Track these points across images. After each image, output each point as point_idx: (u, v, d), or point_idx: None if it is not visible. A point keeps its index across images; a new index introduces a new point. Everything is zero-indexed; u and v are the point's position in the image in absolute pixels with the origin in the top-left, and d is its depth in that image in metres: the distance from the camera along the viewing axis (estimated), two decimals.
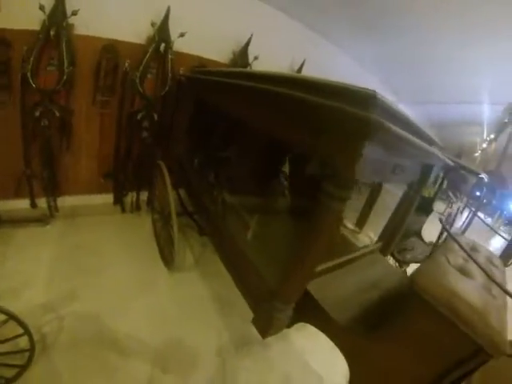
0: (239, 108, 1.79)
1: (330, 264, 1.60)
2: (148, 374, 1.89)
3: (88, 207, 3.26)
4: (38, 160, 2.78)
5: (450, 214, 6.71)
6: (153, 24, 2.81)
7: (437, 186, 2.49)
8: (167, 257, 2.77)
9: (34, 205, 2.94)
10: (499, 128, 7.55)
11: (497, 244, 11.63)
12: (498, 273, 1.30)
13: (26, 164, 2.76)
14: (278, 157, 2.56)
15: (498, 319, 0.94)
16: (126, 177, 3.30)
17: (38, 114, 2.60)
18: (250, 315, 1.63)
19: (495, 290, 1.08)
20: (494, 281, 1.08)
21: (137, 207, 3.54)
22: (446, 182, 2.92)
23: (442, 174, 2.88)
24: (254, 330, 1.54)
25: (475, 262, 1.14)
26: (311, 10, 3.69)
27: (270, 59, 3.57)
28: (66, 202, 3.11)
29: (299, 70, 3.93)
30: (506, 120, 6.99)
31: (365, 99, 0.96)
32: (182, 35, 2.94)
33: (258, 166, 2.60)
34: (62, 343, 1.90)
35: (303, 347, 2.44)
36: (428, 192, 3.73)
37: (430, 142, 1.72)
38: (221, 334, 2.35)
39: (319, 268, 1.48)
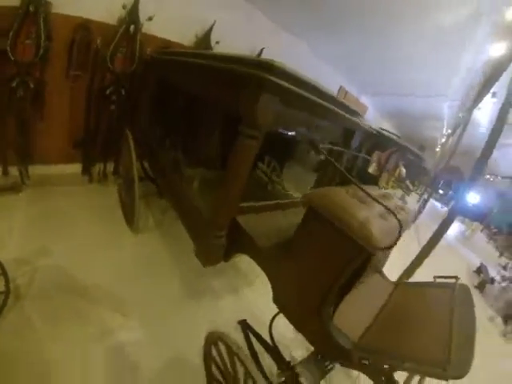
0: (186, 81, 2.17)
1: (257, 204, 1.98)
2: (114, 320, 2.10)
3: (58, 176, 3.47)
4: (12, 129, 2.99)
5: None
6: (124, 6, 3.11)
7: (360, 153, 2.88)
8: (130, 219, 3.07)
9: (5, 172, 3.14)
10: (455, 123, 8.20)
11: (453, 231, 12.66)
12: (401, 216, 1.46)
13: (0, 132, 2.96)
14: (214, 121, 2.92)
15: (380, 229, 1.12)
16: (94, 147, 3.56)
17: (14, 84, 2.82)
18: (202, 269, 1.93)
19: (390, 218, 1.23)
20: (374, 199, 1.24)
21: (104, 176, 3.80)
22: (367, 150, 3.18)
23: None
24: (205, 283, 1.76)
25: (362, 189, 1.31)
26: (274, 3, 4.05)
27: (231, 45, 3.93)
28: (36, 170, 3.31)
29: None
30: (461, 115, 7.59)
31: (266, 65, 1.34)
32: (150, 19, 3.25)
33: (201, 130, 2.97)
34: (34, 293, 2.04)
35: (252, 300, 2.78)
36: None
37: (350, 111, 2.12)
38: (175, 285, 2.66)
39: (246, 204, 1.85)
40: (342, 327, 1.28)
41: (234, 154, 1.57)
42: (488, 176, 12.93)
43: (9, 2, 2.54)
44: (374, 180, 3.71)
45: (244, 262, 3.20)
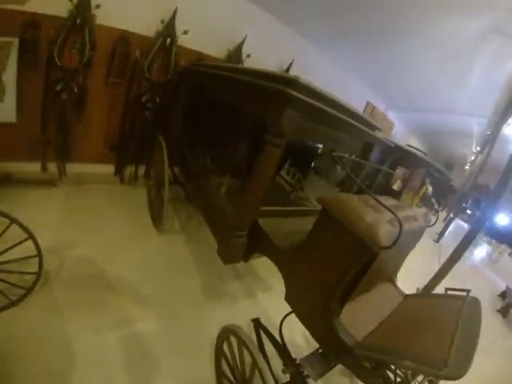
0: (218, 92, 2.34)
1: (278, 208, 2.07)
2: (134, 311, 2.22)
3: (92, 175, 3.72)
4: (54, 128, 3.27)
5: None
6: (162, 21, 3.35)
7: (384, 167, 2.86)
8: (157, 220, 3.23)
9: (45, 168, 3.40)
10: (484, 141, 7.93)
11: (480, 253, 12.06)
12: (415, 226, 1.53)
13: (42, 130, 3.24)
14: (242, 132, 3.04)
15: (386, 232, 1.18)
16: (127, 151, 3.79)
17: (59, 88, 3.09)
18: (222, 273, 2.02)
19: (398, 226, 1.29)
20: (382, 204, 1.23)
21: (134, 178, 4.02)
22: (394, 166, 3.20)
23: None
24: (224, 286, 1.84)
25: (374, 197, 1.30)
26: (303, 19, 4.18)
27: (261, 57, 4.08)
28: (73, 168, 3.57)
29: (287, 70, 4.44)
30: (489, 132, 7.35)
31: (291, 81, 1.45)
32: (185, 32, 3.46)
33: (229, 140, 3.10)
34: (62, 279, 2.21)
35: (268, 305, 2.84)
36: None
37: (370, 126, 2.17)
38: (196, 285, 2.77)
39: (267, 208, 1.94)
40: (347, 326, 1.34)
41: (260, 160, 1.68)
42: None
43: (57, 12, 2.81)
44: (396, 196, 3.67)
45: (262, 268, 3.27)
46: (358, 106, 5.89)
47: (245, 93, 1.87)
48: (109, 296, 2.27)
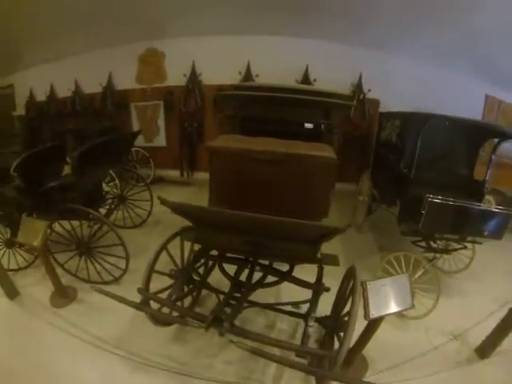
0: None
1: None
2: None
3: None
4: (186, 149, 5.38)
5: None
6: (240, 73, 4.79)
7: None
8: (358, 222, 4.00)
9: (182, 174, 5.59)
10: None
11: None
12: None
13: (179, 150, 5.44)
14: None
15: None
16: None
17: (186, 124, 5.17)
18: None
19: None
20: None
21: None
22: None
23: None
24: None
25: None
26: (373, 31, 4.27)
27: (329, 78, 4.51)
28: (198, 175, 5.58)
29: (359, 84, 4.64)
30: None
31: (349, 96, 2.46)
32: (256, 76, 4.69)
33: None
34: None
35: None
36: None
37: None
38: None
39: None
40: None
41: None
42: None
43: (181, 83, 4.88)
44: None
45: None
46: (473, 104, 4.76)
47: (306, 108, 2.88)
48: None
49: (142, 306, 1.67)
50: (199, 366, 1.95)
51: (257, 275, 2.01)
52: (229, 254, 2.08)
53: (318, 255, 1.88)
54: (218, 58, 4.78)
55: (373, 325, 1.68)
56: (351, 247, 3.47)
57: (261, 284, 1.94)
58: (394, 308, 1.61)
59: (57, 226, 2.75)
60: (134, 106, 5.32)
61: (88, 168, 2.72)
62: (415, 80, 4.51)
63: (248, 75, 4.75)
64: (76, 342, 2.10)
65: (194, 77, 4.88)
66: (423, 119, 2.85)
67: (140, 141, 5.32)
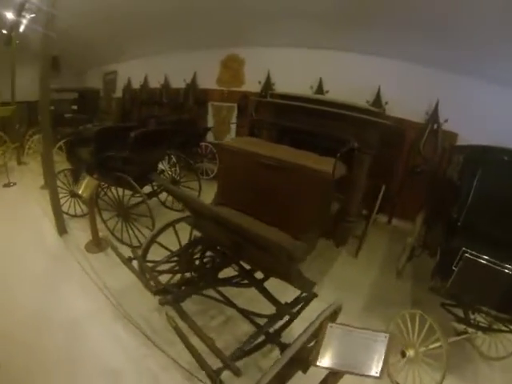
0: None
1: None
2: None
3: None
4: None
5: None
6: (311, 87, 4.83)
7: None
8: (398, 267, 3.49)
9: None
10: None
11: None
12: None
13: None
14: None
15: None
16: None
17: (255, 130, 5.47)
18: None
19: None
20: None
21: None
22: None
23: None
24: None
25: None
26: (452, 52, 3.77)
27: (401, 101, 4.29)
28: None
29: (434, 112, 4.16)
30: None
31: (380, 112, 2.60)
32: (326, 92, 4.66)
33: None
34: None
35: None
36: None
37: None
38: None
39: None
40: None
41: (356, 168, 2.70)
42: None
43: (255, 89, 5.18)
44: None
45: None
46: None
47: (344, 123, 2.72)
48: None
49: (126, 261, 1.92)
50: (165, 340, 2.12)
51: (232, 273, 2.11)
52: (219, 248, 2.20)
53: (300, 276, 1.79)
54: (292, 70, 4.92)
55: (327, 380, 1.40)
56: (381, 293, 3.04)
57: (229, 281, 2.03)
58: (352, 367, 1.25)
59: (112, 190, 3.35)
60: (212, 104, 5.88)
61: (144, 148, 3.23)
62: (504, 112, 3.78)
63: (319, 91, 4.75)
64: (89, 281, 2.57)
65: (268, 85, 5.14)
66: (481, 152, 2.39)
67: (210, 137, 5.96)
